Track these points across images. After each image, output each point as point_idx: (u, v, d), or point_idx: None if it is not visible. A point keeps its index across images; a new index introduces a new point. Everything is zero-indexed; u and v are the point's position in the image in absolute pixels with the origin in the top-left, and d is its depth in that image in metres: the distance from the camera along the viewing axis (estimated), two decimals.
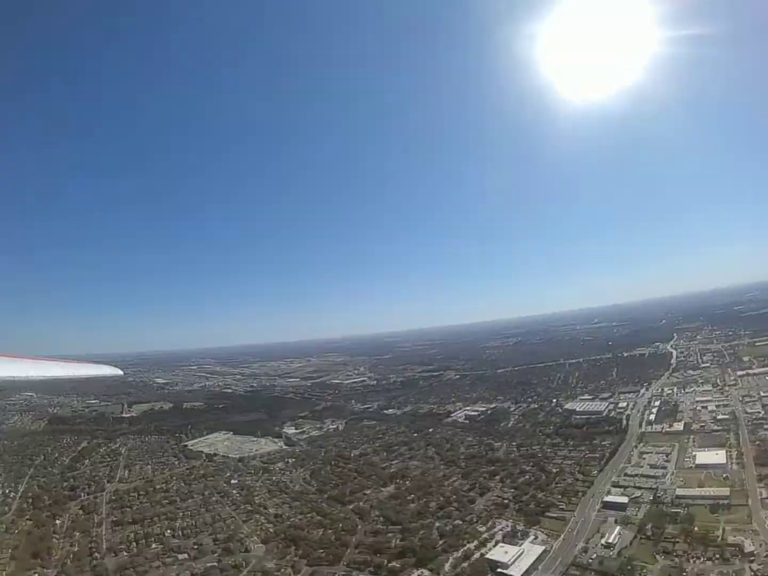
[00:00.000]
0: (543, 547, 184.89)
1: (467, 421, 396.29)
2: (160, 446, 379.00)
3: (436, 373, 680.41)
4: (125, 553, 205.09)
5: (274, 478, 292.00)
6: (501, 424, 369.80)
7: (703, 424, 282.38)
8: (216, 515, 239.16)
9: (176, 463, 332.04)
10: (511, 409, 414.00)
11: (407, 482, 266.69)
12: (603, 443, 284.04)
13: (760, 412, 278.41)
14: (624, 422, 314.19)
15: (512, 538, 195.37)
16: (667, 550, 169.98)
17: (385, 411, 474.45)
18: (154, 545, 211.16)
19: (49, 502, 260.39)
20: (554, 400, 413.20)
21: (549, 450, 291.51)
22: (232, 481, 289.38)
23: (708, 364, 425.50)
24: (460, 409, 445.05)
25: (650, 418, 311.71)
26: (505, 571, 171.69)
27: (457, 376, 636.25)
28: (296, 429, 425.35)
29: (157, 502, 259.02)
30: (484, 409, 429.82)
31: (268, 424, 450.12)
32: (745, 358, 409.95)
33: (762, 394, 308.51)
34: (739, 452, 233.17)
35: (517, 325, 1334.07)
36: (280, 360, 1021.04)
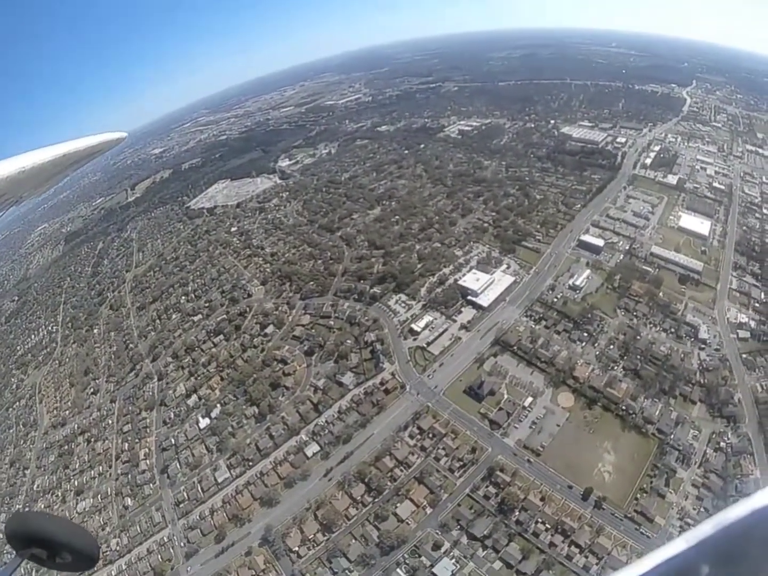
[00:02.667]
0: (513, 278, 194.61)
1: (460, 137, 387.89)
2: (165, 216, 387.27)
3: (433, 86, 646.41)
4: (153, 333, 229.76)
5: (269, 216, 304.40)
6: (493, 141, 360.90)
7: (697, 185, 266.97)
8: (221, 268, 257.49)
9: (181, 227, 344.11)
10: (507, 126, 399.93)
11: (393, 203, 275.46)
12: (593, 176, 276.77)
13: (756, 198, 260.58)
14: (619, 159, 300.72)
15: (486, 265, 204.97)
16: (629, 308, 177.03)
17: (378, 128, 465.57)
18: (173, 315, 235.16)
19: (84, 317, 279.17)
20: (552, 122, 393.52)
21: (537, 174, 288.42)
22: (233, 229, 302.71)
23: (720, 125, 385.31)
24: (454, 123, 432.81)
25: (646, 161, 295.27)
26: (474, 299, 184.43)
27: (456, 89, 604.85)
28: (290, 160, 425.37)
29: (170, 273, 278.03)
30: (478, 124, 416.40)
31: (264, 161, 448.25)
32: (760, 135, 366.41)
33: (765, 179, 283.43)
34: (724, 230, 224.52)
35: (527, 36, 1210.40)
36: (273, 91, 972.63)
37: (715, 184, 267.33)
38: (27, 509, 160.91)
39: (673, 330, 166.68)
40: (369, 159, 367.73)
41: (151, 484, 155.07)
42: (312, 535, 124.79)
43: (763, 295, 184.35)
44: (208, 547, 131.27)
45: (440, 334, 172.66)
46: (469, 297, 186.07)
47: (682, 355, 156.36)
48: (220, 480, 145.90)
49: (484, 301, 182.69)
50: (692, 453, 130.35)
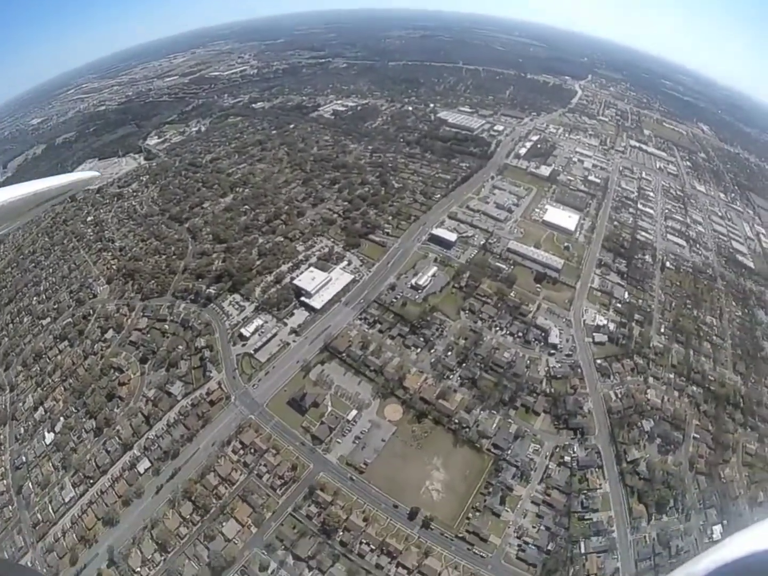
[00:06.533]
0: (352, 277, 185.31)
1: (333, 117, 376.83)
2: None
3: (323, 61, 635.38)
4: (6, 339, 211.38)
5: (125, 204, 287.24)
6: (365, 124, 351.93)
7: (571, 178, 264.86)
8: (72, 264, 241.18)
9: (42, 216, 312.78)
10: (383, 108, 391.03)
11: (246, 190, 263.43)
12: (461, 165, 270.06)
13: (633, 192, 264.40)
14: (492, 147, 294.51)
15: (326, 261, 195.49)
16: (474, 310, 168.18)
17: (253, 104, 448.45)
18: (25, 318, 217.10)
19: None
20: (432, 105, 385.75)
21: (402, 160, 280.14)
22: (88, 219, 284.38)
23: (607, 120, 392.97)
24: (331, 102, 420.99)
25: (521, 151, 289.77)
26: (307, 300, 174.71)
27: (345, 65, 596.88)
28: (159, 138, 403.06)
29: (26, 270, 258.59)
30: (354, 104, 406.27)
31: (135, 137, 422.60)
32: (647, 132, 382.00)
33: (644, 174, 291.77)
34: (593, 225, 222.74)
35: (432, 18, 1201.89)
36: (163, 58, 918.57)
37: (591, 178, 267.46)
38: None
39: (520, 334, 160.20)
40: (235, 139, 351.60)
41: (10, 506, 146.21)
42: (150, 556, 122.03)
43: (626, 295, 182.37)
44: (65, 570, 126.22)
45: (269, 340, 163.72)
46: (303, 298, 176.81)
47: (528, 362, 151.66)
48: (66, 499, 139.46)
49: (317, 302, 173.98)
50: (532, 469, 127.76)
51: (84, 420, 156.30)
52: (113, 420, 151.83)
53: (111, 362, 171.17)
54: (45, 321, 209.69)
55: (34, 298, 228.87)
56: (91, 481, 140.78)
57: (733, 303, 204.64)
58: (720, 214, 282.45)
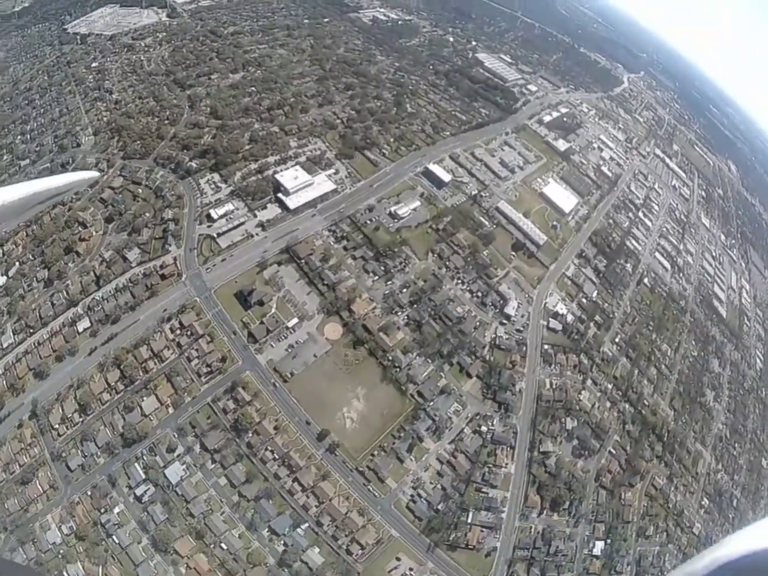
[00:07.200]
0: (334, 187, 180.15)
1: (370, 23, 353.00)
2: (39, 36, 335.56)
3: None
4: None
5: (134, 57, 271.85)
6: (401, 39, 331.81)
7: (585, 162, 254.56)
8: (64, 108, 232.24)
9: (48, 53, 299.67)
10: (424, 30, 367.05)
11: (258, 72, 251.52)
12: (481, 110, 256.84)
13: (638, 199, 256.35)
14: (519, 105, 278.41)
15: (314, 164, 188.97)
16: (443, 255, 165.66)
17: None
18: (5, 156, 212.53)
19: None
20: (474, 43, 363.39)
21: (423, 87, 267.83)
22: (93, 65, 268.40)
23: (641, 120, 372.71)
24: (374, 8, 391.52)
25: (545, 118, 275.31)
26: (283, 197, 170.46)
27: None
28: None
29: (17, 106, 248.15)
30: (396, 17, 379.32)
31: None
32: (675, 147, 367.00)
33: (656, 186, 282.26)
34: (588, 215, 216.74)
35: None
36: None
37: (604, 169, 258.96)
38: None
39: (480, 294, 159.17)
40: (265, 18, 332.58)
41: None
42: (70, 414, 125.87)
43: (595, 294, 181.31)
44: None
45: (234, 227, 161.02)
46: (280, 194, 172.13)
47: (478, 324, 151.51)
48: (5, 345, 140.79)
49: (292, 202, 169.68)
50: (448, 427, 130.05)
51: (38, 269, 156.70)
52: (66, 274, 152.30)
53: (77, 216, 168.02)
54: (24, 162, 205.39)
55: (19, 137, 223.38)
56: (32, 331, 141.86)
57: (693, 342, 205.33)
58: (714, 254, 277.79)
